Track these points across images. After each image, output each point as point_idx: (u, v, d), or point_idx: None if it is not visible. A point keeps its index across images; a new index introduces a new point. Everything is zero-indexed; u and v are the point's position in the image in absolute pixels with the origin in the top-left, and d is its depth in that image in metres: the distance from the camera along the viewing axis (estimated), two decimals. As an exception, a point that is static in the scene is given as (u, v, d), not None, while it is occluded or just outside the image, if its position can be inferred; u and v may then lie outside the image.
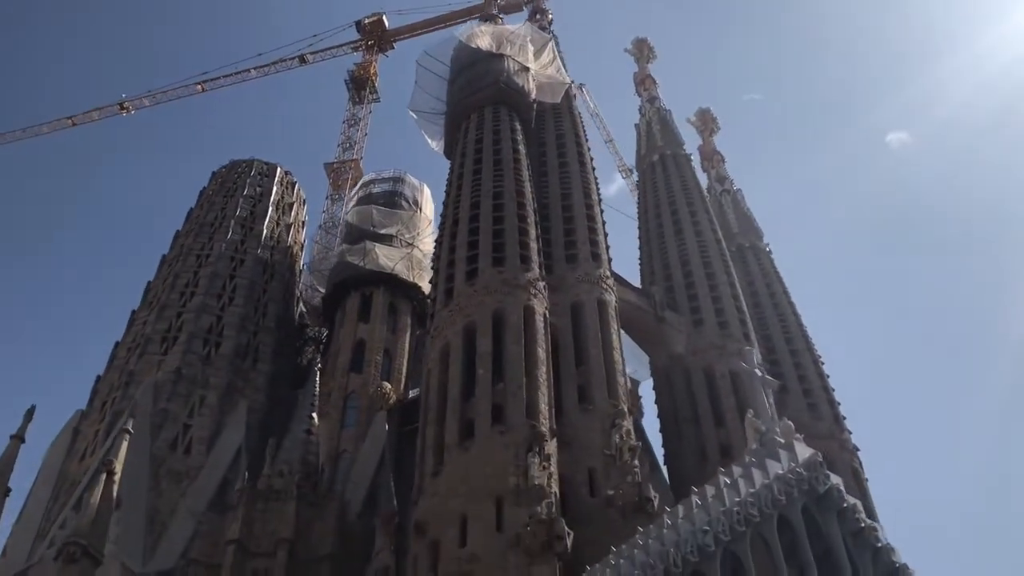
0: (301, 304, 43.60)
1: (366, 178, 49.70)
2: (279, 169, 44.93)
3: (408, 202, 44.94)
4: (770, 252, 44.24)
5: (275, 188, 43.77)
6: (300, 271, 44.29)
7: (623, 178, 62.03)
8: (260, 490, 27.37)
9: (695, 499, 19.52)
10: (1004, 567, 68.01)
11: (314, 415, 31.16)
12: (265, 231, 41.18)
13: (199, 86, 62.82)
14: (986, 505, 79.24)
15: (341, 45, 64.84)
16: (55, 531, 27.94)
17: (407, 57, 57.34)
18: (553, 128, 39.06)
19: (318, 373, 33.44)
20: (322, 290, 43.04)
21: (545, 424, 24.67)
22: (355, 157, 59.91)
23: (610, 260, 33.65)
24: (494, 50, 38.70)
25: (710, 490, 19.93)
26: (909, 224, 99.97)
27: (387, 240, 42.00)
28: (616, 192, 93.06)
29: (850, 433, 34.67)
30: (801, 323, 39.49)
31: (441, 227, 33.29)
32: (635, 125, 48.63)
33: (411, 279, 40.13)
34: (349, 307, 39.34)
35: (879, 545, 21.77)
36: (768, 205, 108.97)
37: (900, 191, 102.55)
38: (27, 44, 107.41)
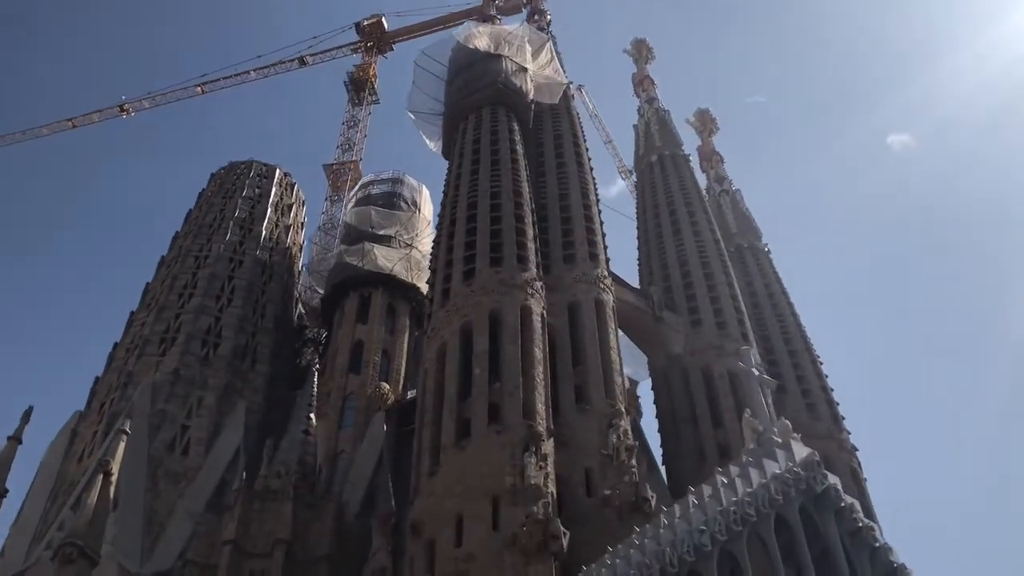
0: (300, 305, 43.60)
1: (365, 179, 49.77)
2: (278, 170, 44.95)
3: (407, 203, 44.96)
4: (769, 252, 44.26)
5: (274, 189, 43.78)
6: (299, 272, 44.31)
7: (623, 179, 62.07)
8: (257, 491, 27.32)
9: (692, 499, 19.47)
10: (1004, 567, 67.93)
11: (312, 416, 31.14)
12: (264, 232, 41.17)
13: (199, 88, 62.95)
14: (986, 505, 79.21)
15: (340, 47, 64.95)
16: (53, 532, 27.88)
17: (406, 59, 57.36)
18: (551, 128, 39.07)
19: (316, 374, 33.42)
20: (321, 291, 43.08)
21: (542, 424, 24.66)
22: (354, 158, 59.93)
23: (608, 260, 33.65)
24: (492, 51, 38.74)
25: (707, 490, 19.87)
26: (909, 225, 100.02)
27: (386, 241, 42.03)
28: (617, 194, 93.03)
29: (849, 433, 34.65)
30: (800, 323, 39.48)
31: (439, 227, 33.31)
32: (633, 126, 48.72)
33: (410, 280, 40.13)
34: (347, 308, 39.36)
35: (877, 545, 21.66)
36: (768, 205, 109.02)
37: (900, 192, 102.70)
38: (27, 46, 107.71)
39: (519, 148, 34.62)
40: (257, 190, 43.27)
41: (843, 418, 35.29)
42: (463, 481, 23.07)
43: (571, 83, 44.10)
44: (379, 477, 31.04)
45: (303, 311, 43.63)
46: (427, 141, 39.93)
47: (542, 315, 28.36)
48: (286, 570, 25.66)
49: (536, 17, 49.43)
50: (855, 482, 31.22)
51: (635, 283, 38.92)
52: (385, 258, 40.36)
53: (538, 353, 26.68)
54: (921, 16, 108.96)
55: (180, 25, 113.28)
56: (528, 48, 40.07)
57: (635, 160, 47.53)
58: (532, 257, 29.89)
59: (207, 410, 32.90)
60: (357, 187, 49.93)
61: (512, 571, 20.33)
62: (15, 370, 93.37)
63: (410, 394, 35.69)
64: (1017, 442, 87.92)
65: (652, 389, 36.35)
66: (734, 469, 20.94)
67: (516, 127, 35.88)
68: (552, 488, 22.84)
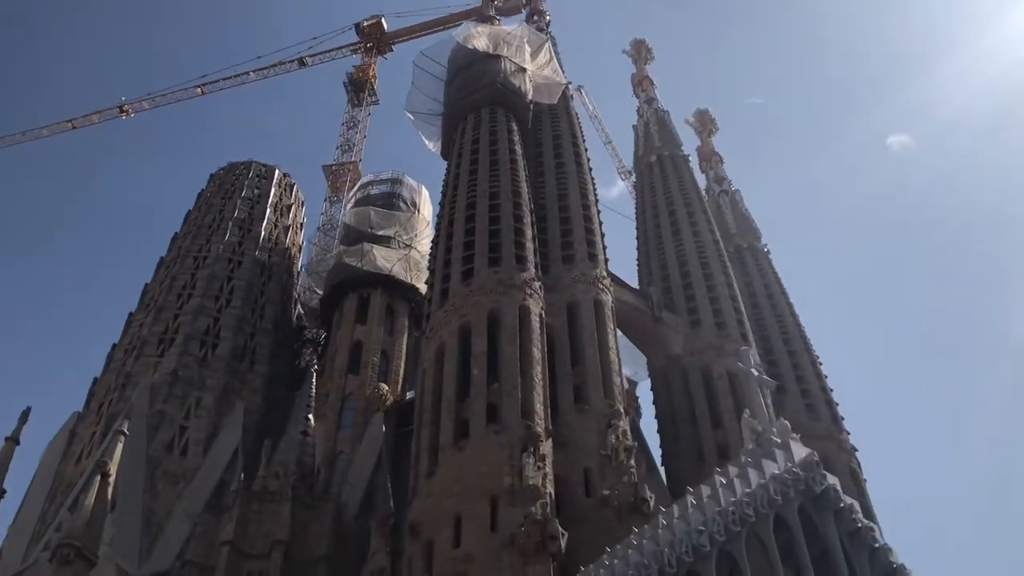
0: (299, 306, 43.51)
1: (364, 180, 49.70)
2: (277, 171, 44.91)
3: (406, 203, 44.90)
4: (768, 253, 44.24)
5: (273, 190, 43.73)
6: (298, 273, 44.25)
7: (622, 180, 62.04)
8: (255, 491, 27.30)
9: (690, 499, 19.41)
10: (1005, 568, 67.87)
11: (310, 416, 31.13)
12: (263, 233, 41.10)
13: (199, 89, 62.88)
14: (986, 505, 79.15)
15: (340, 48, 64.86)
16: (50, 533, 27.84)
17: (406, 60, 57.12)
18: (550, 129, 39.05)
19: (314, 375, 33.39)
20: (320, 292, 43.01)
21: (540, 424, 24.62)
22: (354, 159, 59.87)
23: (607, 260, 33.63)
24: (491, 51, 38.73)
25: (705, 490, 19.81)
26: (908, 225, 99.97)
27: (385, 242, 41.96)
28: (617, 195, 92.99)
29: (848, 434, 34.60)
30: (799, 324, 39.43)
31: (437, 227, 33.28)
32: (633, 126, 48.72)
33: (409, 280, 40.06)
34: (346, 308, 39.29)
35: (876, 545, 21.59)
36: (768, 206, 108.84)
37: (900, 193, 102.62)
38: (27, 48, 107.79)
39: (518, 148, 34.60)
40: (256, 191, 43.21)
41: (843, 418, 35.25)
42: (461, 481, 23.02)
43: (570, 83, 44.14)
44: (378, 478, 30.97)
45: (302, 312, 43.56)
46: (426, 141, 39.95)
47: (541, 315, 28.32)
48: (284, 571, 25.64)
49: (535, 18, 49.45)
50: (855, 483, 31.16)
51: (635, 284, 38.90)
52: (384, 259, 40.30)
53: (536, 353, 26.64)
54: (921, 17, 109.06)
55: (180, 26, 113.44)
56: (527, 48, 40.07)
57: (634, 160, 47.52)
58: (531, 257, 29.86)
59: (205, 411, 32.82)
60: (356, 188, 49.85)
61: (510, 571, 20.30)
62: (14, 371, 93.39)
63: (409, 395, 35.61)
64: (1017, 442, 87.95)
65: (651, 390, 36.36)
66: (733, 470, 20.87)
67: (515, 127, 35.87)
68: (550, 488, 22.80)
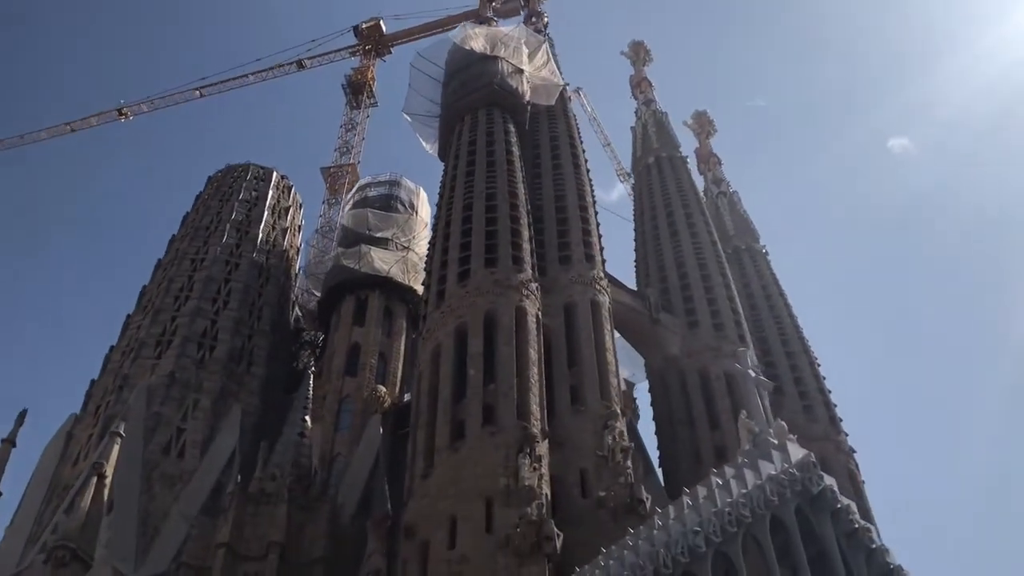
0: (297, 308, 43.50)
1: (362, 182, 49.65)
2: (275, 173, 44.91)
3: (404, 205, 44.85)
4: (766, 254, 44.22)
5: (271, 192, 43.72)
6: (296, 275, 44.20)
7: (621, 182, 61.98)
8: (251, 493, 27.21)
9: (686, 500, 19.35)
10: (1004, 569, 67.75)
11: (307, 418, 31.05)
12: (261, 235, 41.08)
13: (198, 92, 62.86)
14: (986, 506, 79.04)
15: (339, 50, 64.83)
16: (46, 535, 27.79)
17: (404, 62, 57.13)
18: (547, 130, 39.00)
19: (311, 376, 33.34)
20: (318, 294, 42.96)
21: (536, 425, 24.55)
22: (352, 161, 59.76)
23: (604, 261, 33.56)
24: (488, 52, 38.69)
25: (702, 491, 19.75)
26: (908, 227, 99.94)
27: (383, 243, 41.91)
28: (617, 198, 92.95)
29: (846, 435, 34.55)
30: (797, 325, 39.39)
31: (434, 229, 33.24)
32: (631, 128, 48.67)
33: (406, 282, 39.99)
34: (344, 311, 39.21)
35: (873, 546, 21.50)
36: (767, 208, 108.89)
37: (900, 194, 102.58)
38: (26, 50, 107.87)
39: (515, 149, 34.55)
40: (254, 193, 43.20)
41: (840, 420, 35.20)
42: (457, 482, 22.96)
43: (568, 85, 44.07)
44: (375, 480, 30.87)
45: (300, 314, 43.56)
46: (423, 143, 39.91)
47: (537, 316, 28.26)
48: (280, 573, 25.55)
49: (533, 19, 49.34)
50: (852, 484, 31.13)
51: (634, 285, 38.85)
52: (382, 260, 40.24)
53: (533, 354, 26.58)
54: (920, 18, 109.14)
55: (179, 29, 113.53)
56: (524, 50, 40.03)
57: (632, 162, 47.51)
58: (527, 258, 29.82)
59: (202, 413, 32.77)
60: (354, 190, 49.79)
61: (505, 573, 20.23)
62: (12, 372, 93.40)
63: (407, 397, 35.54)
64: (1017, 443, 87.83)
65: (649, 391, 36.30)
66: (729, 470, 20.82)
67: (512, 128, 35.82)
68: (546, 489, 22.73)
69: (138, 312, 37.80)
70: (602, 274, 32.55)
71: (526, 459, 22.53)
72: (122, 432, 27.84)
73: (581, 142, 39.67)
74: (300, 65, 63.70)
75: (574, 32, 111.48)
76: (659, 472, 32.60)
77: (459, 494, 22.59)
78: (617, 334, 32.63)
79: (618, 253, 41.20)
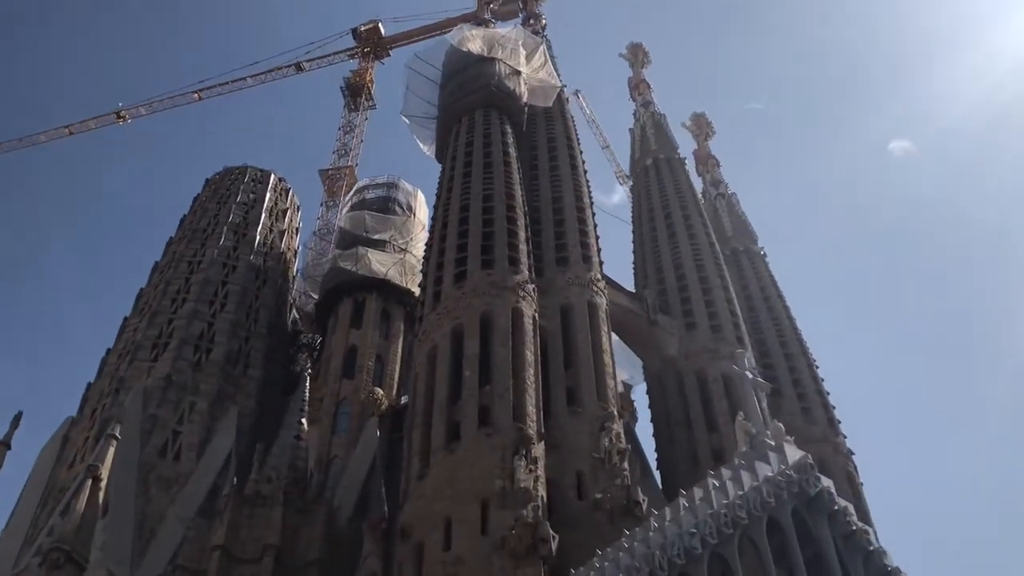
0: (294, 311, 43.43)
1: (360, 184, 49.57)
2: (273, 175, 44.86)
3: (402, 207, 44.78)
4: (765, 256, 44.17)
5: (268, 194, 43.66)
6: (294, 277, 44.12)
7: (620, 184, 61.94)
8: (247, 495, 27.11)
9: (682, 501, 19.25)
10: (1004, 571, 67.63)
11: (303, 421, 30.97)
12: (258, 237, 41.03)
13: (196, 94, 62.83)
14: (985, 508, 78.93)
15: (337, 52, 64.84)
16: (42, 538, 27.71)
17: (403, 64, 57.30)
18: (544, 131, 38.99)
19: (308, 379, 33.25)
20: (315, 296, 42.87)
21: (532, 427, 24.47)
22: (350, 164, 59.75)
23: (601, 263, 33.49)
24: (485, 54, 38.68)
25: (698, 492, 19.66)
26: (908, 230, 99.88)
27: (380, 246, 41.80)
28: (617, 201, 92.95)
29: (845, 437, 34.45)
30: (796, 327, 39.32)
31: (431, 230, 33.21)
32: (629, 130, 48.67)
33: (404, 285, 39.89)
34: (341, 313, 39.13)
35: (871, 548, 21.43)
36: (766, 209, 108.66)
37: (901, 197, 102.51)
38: (24, 54, 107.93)
39: (512, 151, 34.51)
40: (252, 195, 43.15)
41: (839, 422, 35.12)
42: (452, 484, 22.86)
43: (565, 86, 44.09)
44: (372, 482, 30.80)
45: (297, 316, 43.49)
46: (421, 145, 39.89)
47: (534, 317, 28.20)
48: (275, 575, 25.44)
49: (531, 21, 49.42)
50: (851, 486, 31.03)
51: (632, 287, 38.78)
52: (379, 263, 40.16)
53: (529, 356, 26.50)
54: (922, 20, 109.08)
55: (177, 32, 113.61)
56: (522, 51, 40.04)
57: (631, 163, 47.51)
58: (524, 259, 29.75)
59: (199, 415, 32.70)
60: (352, 192, 49.73)
61: (501, 575, 20.14)
62: (8, 375, 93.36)
63: (404, 399, 35.36)
64: (1017, 444, 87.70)
65: (647, 393, 36.19)
66: (726, 472, 20.73)
67: (509, 130, 35.80)
68: (542, 491, 22.64)
69: (135, 315, 37.74)
70: (599, 276, 32.49)
71: (522, 461, 22.45)
72: (118, 435, 27.75)
73: (579, 143, 39.68)
74: (299, 68, 63.71)
75: (572, 34, 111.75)
76: (657, 474, 32.50)
77: (455, 496, 22.49)
78: (615, 336, 32.58)
79: (619, 256, 41.14)
